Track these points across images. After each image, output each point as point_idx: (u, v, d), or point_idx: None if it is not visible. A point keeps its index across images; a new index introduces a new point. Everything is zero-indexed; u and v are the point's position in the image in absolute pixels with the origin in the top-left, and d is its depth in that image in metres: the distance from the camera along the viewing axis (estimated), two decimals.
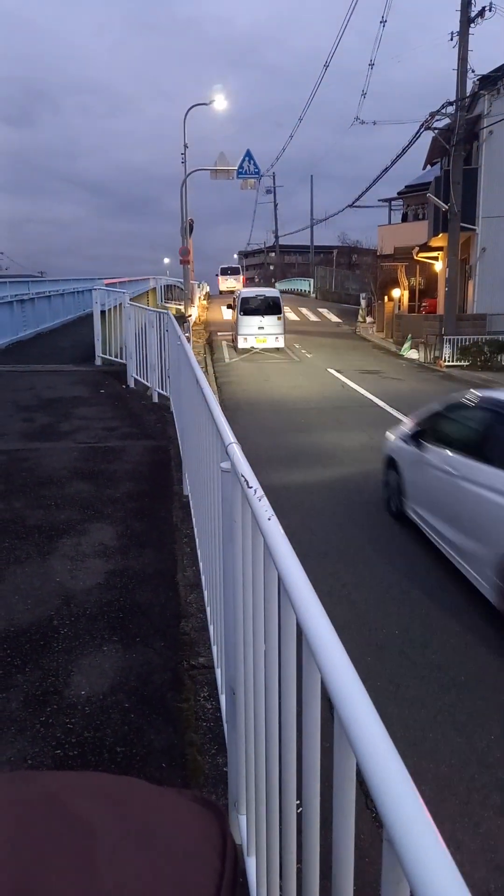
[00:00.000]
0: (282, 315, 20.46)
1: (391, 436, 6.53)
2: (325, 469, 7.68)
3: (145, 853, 0.78)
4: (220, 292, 46.02)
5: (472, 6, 17.42)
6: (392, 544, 5.47)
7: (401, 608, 4.35)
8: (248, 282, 54.80)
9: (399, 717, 3.20)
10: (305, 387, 13.81)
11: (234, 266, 52.41)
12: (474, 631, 4.02)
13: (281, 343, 20.14)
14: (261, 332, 19.96)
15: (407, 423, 6.22)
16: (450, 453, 5.03)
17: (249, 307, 19.91)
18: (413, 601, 4.44)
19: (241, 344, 20.22)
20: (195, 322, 24.20)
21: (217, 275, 49.97)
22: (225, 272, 49.57)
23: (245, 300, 20.27)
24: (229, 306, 24.06)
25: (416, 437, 5.66)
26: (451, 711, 3.25)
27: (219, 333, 24.45)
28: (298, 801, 1.18)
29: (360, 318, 29.96)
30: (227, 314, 25.51)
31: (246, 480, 1.61)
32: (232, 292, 28.49)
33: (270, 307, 20.11)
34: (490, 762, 2.89)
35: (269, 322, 19.86)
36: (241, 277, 47.56)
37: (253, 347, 19.85)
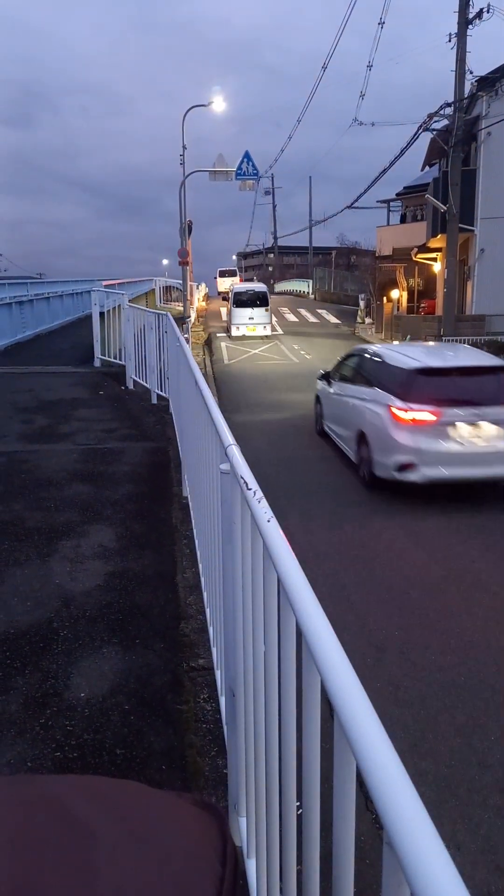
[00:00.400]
0: (269, 307, 23.75)
1: (317, 382, 9.62)
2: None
3: (145, 856, 0.78)
4: (219, 293, 47.06)
5: (471, 8, 17.45)
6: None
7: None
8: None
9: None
10: (304, 388, 13.82)
11: (231, 269, 53.25)
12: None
13: (268, 331, 23.49)
14: (251, 322, 23.48)
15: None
16: (340, 383, 8.49)
17: (241, 300, 23.48)
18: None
19: (234, 332, 23.56)
20: (193, 323, 24.19)
21: (215, 277, 50.85)
22: (223, 274, 50.35)
23: (237, 294, 23.92)
24: (224, 298, 27.72)
25: (327, 378, 9.14)
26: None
27: (218, 335, 24.46)
28: (298, 803, 1.18)
29: (358, 320, 29.96)
30: (226, 315, 27.18)
31: (245, 482, 1.61)
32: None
33: (259, 300, 23.50)
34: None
35: (258, 313, 23.40)
36: (238, 279, 48.58)
37: (244, 335, 23.25)
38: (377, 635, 3.93)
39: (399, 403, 6.54)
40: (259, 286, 25.52)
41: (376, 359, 7.62)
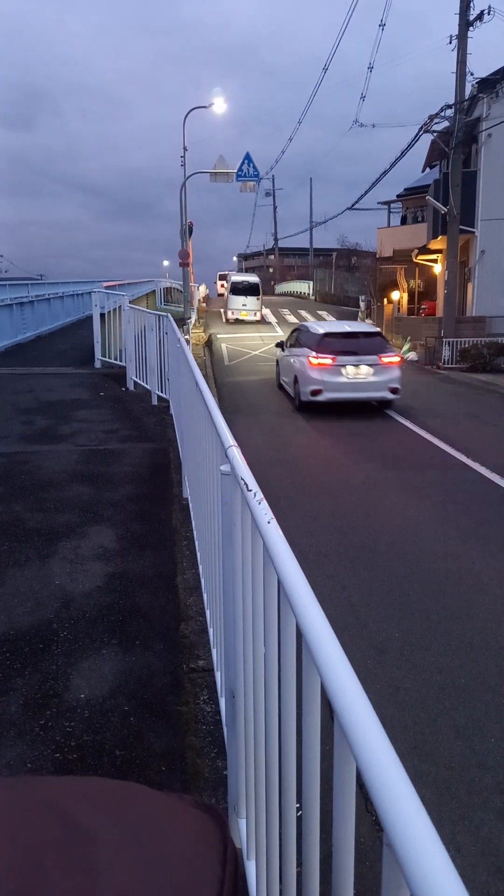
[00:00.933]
0: (260, 295, 28.66)
1: (276, 350, 13.82)
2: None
3: (145, 857, 0.78)
4: (219, 295, 49.06)
5: (471, 10, 17.46)
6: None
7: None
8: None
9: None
10: None
11: (231, 271, 54.31)
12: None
13: (258, 317, 28.18)
14: (244, 308, 28.10)
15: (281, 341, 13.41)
16: (288, 348, 12.47)
17: (237, 288, 28.34)
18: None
19: (229, 316, 28.14)
20: (194, 324, 24.25)
21: (216, 281, 52.30)
22: (223, 277, 51.44)
23: (234, 283, 28.84)
24: (222, 286, 34.59)
25: (281, 346, 13.19)
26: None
27: (218, 336, 24.49)
28: (298, 805, 1.17)
29: (359, 321, 29.97)
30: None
31: (245, 483, 1.61)
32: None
33: (252, 289, 28.49)
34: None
35: (251, 301, 28.13)
36: None
37: (238, 318, 27.97)
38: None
39: (313, 354, 10.67)
40: (253, 278, 30.11)
41: (304, 329, 12.12)
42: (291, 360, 11.79)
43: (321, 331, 11.15)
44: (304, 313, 35.23)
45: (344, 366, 10.51)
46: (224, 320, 28.32)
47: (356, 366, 10.56)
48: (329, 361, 10.49)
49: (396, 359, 11.09)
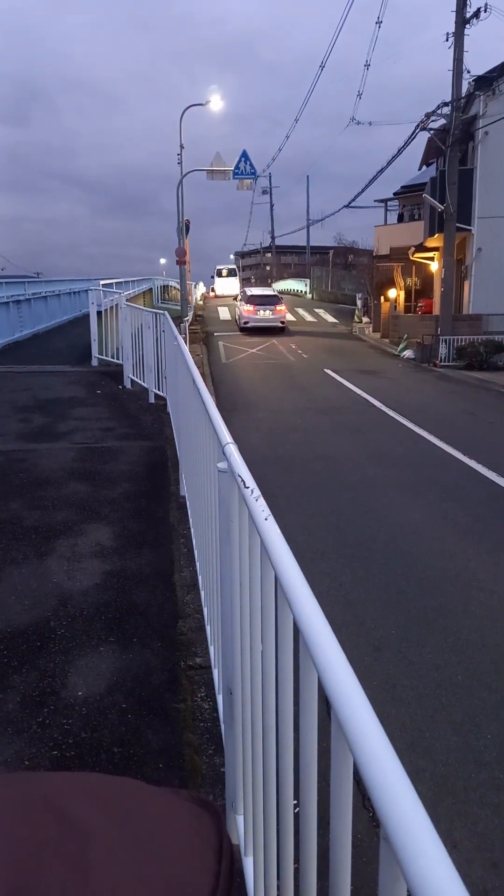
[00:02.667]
0: (237, 277, 49.75)
1: (237, 304, 28.72)
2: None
3: (142, 853, 0.78)
4: (211, 290, 53.43)
5: (468, 7, 17.45)
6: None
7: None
8: (244, 282, 57.82)
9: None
10: (303, 387, 13.85)
11: (230, 267, 55.14)
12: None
13: (237, 291, 39.77)
14: (225, 286, 47.48)
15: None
16: (237, 302, 31.03)
17: (221, 274, 49.36)
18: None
19: (218, 291, 47.69)
20: (191, 322, 24.28)
21: (212, 276, 54.12)
22: (220, 274, 52.20)
23: (219, 269, 49.94)
24: (218, 273, 50.70)
25: (235, 299, 34.57)
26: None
27: (215, 333, 24.52)
28: (296, 801, 1.18)
29: (356, 319, 29.98)
30: (224, 314, 32.61)
31: (243, 481, 1.61)
32: (230, 297, 45.60)
33: (231, 273, 49.38)
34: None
35: (231, 282, 47.56)
36: (236, 279, 51.05)
37: (221, 294, 46.50)
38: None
39: (246, 306, 25.30)
40: (231, 266, 52.21)
41: (243, 293, 27.82)
42: (237, 308, 27.40)
43: (248, 294, 26.80)
44: (301, 311, 35.23)
45: (258, 311, 24.86)
46: (214, 294, 45.67)
47: (263, 311, 24.92)
48: (251, 308, 24.98)
49: (283, 307, 25.85)
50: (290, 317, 32.06)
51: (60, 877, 0.74)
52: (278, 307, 25.03)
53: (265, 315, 24.54)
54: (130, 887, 0.75)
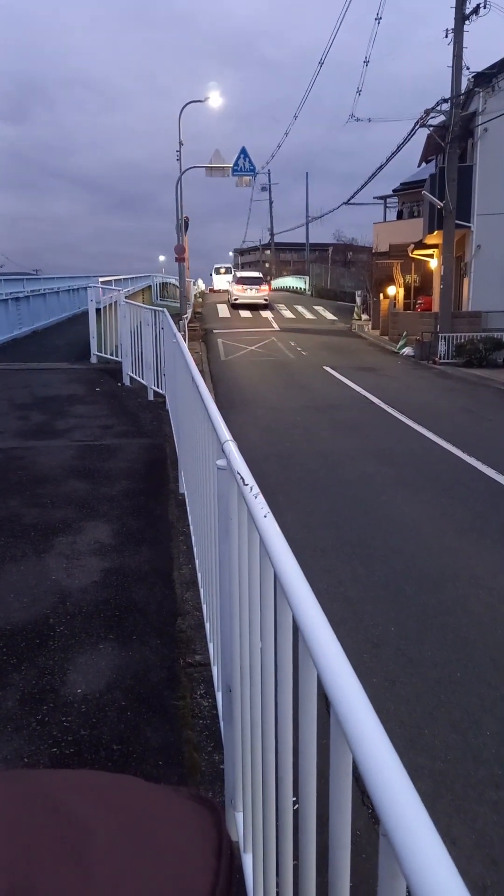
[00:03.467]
0: (231, 267, 53.57)
1: (229, 285, 37.67)
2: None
3: (140, 851, 0.78)
4: (210, 290, 54.31)
5: (467, 3, 17.41)
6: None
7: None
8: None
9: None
10: (302, 384, 13.84)
11: (227, 265, 56.76)
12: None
13: (230, 275, 44.88)
14: (223, 273, 51.56)
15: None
16: (230, 284, 39.96)
17: (219, 271, 52.66)
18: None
19: (214, 275, 53.35)
20: (190, 319, 24.25)
21: (211, 273, 55.52)
22: (218, 271, 53.59)
23: (217, 268, 53.73)
24: (216, 271, 54.61)
25: (229, 282, 40.87)
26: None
27: (215, 330, 24.47)
28: (295, 798, 1.18)
29: (355, 316, 29.94)
30: (223, 311, 33.70)
31: (242, 478, 1.61)
32: (225, 291, 47.38)
33: (229, 271, 50.75)
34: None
35: (228, 279, 44.41)
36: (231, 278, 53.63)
37: (220, 290, 48.84)
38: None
39: (237, 286, 33.59)
40: (228, 265, 56.46)
41: (234, 276, 38.32)
42: (229, 287, 35.94)
43: (238, 276, 35.42)
44: (300, 308, 35.20)
45: (246, 290, 32.63)
46: (215, 272, 54.42)
47: (250, 290, 32.61)
48: (241, 288, 32.91)
49: (266, 287, 33.49)
50: (289, 314, 32.15)
51: (60, 874, 0.74)
52: (261, 287, 33.36)
53: (251, 294, 32.90)
54: (130, 884, 0.75)
